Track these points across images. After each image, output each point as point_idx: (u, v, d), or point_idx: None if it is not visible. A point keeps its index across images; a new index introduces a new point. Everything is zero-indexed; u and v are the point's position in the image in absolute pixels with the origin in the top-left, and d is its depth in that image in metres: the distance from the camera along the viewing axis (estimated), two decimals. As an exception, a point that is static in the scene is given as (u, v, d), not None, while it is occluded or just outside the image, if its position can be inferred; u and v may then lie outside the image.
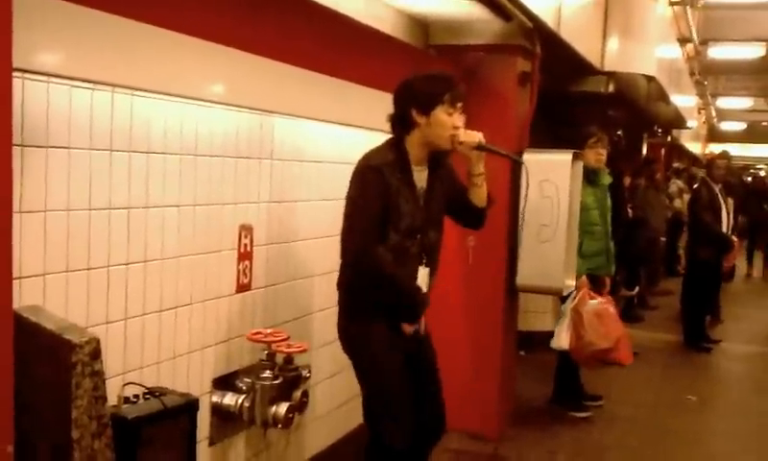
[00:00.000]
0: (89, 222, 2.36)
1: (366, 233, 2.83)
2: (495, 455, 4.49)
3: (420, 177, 2.98)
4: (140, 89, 2.52)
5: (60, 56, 2.21)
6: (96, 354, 1.89)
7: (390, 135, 3.01)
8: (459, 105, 2.91)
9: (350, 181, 2.92)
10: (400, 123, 2.94)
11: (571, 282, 4.84)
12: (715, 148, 18.40)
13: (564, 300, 5.03)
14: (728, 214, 7.60)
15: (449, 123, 2.89)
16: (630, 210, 8.22)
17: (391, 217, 2.85)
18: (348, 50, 3.58)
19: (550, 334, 5.18)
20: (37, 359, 1.98)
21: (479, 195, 3.08)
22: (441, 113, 2.87)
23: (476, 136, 2.93)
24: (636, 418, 5.43)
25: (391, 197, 2.84)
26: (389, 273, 2.86)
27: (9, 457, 1.61)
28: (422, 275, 2.99)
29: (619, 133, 6.84)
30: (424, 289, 3.00)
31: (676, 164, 14.16)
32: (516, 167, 4.45)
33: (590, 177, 5.09)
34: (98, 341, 1.91)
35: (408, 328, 2.98)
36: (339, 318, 3.07)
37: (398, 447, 2.96)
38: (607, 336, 4.92)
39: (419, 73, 3.00)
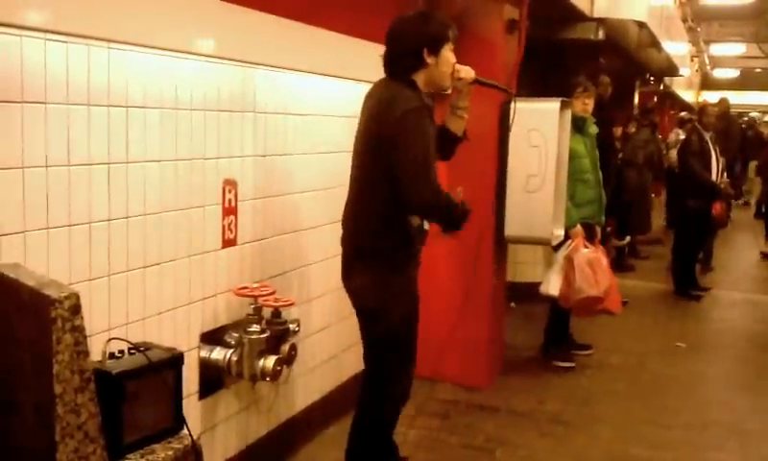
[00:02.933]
0: (69, 178, 2.33)
1: (432, 176, 2.87)
2: (484, 405, 4.54)
3: None
4: (117, 42, 2.47)
5: (32, 8, 2.17)
6: (76, 309, 1.89)
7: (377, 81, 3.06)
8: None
9: (397, 127, 2.84)
10: (408, 63, 2.97)
11: (560, 232, 4.86)
12: (708, 96, 18.29)
13: (556, 249, 5.05)
14: (717, 162, 7.59)
15: (452, 60, 3.02)
16: (620, 160, 8.22)
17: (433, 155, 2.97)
18: None
19: (540, 285, 5.21)
20: (18, 316, 1.97)
21: (459, 125, 3.18)
22: (447, 51, 3.00)
23: (471, 72, 3.07)
24: (625, 365, 5.49)
25: (434, 139, 2.98)
26: (452, 205, 2.96)
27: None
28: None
29: (607, 80, 6.78)
30: (427, 227, 3.10)
31: (683, 114, 13.65)
32: (507, 112, 4.44)
33: (579, 125, 5.08)
34: (77, 296, 1.90)
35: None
36: (356, 275, 3.07)
37: (408, 389, 3.19)
38: (596, 284, 4.96)
39: (420, 13, 3.11)
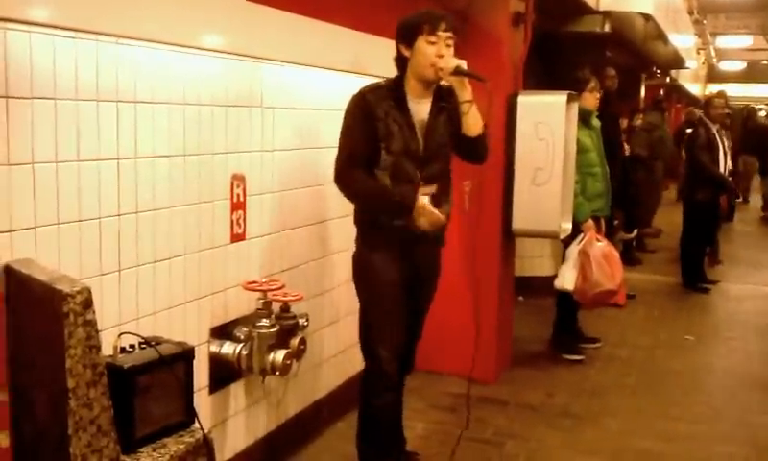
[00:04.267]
0: (78, 173, 2.34)
1: (347, 159, 3.02)
2: (493, 398, 4.54)
3: (420, 109, 3.05)
4: (125, 37, 2.48)
5: (41, 4, 2.17)
6: (88, 304, 1.89)
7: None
8: (442, 34, 2.95)
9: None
10: (399, 61, 3.07)
11: (568, 226, 4.85)
12: (715, 89, 18.21)
13: (567, 243, 5.06)
14: (725, 155, 7.56)
15: (431, 51, 2.96)
16: (627, 147, 8.19)
17: (381, 139, 2.97)
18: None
19: (548, 279, 5.21)
20: (31, 311, 1.99)
21: (467, 123, 3.04)
22: (422, 43, 2.97)
23: (453, 62, 2.94)
24: (633, 359, 5.48)
25: (378, 120, 2.97)
26: (360, 188, 3.03)
27: (2, 406, 1.62)
28: (427, 198, 3.02)
29: (613, 73, 6.77)
30: (427, 200, 3.02)
31: (693, 110, 13.40)
32: (513, 105, 4.43)
33: (586, 119, 5.11)
34: (89, 291, 1.90)
35: (423, 223, 2.98)
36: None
37: (384, 367, 3.13)
38: (612, 277, 4.98)
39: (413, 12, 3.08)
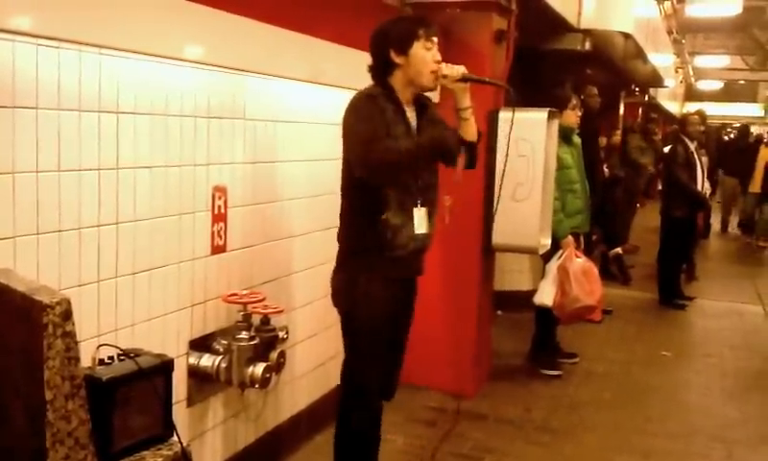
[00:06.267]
0: (59, 183, 2.33)
1: (370, 141, 2.78)
2: (471, 412, 4.54)
3: (411, 118, 2.99)
4: (108, 48, 2.47)
5: (25, 13, 2.16)
6: (67, 315, 1.88)
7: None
8: (435, 40, 2.91)
9: (345, 116, 2.90)
10: (382, 69, 2.95)
11: (547, 241, 4.89)
12: (693, 107, 18.38)
13: (546, 258, 5.10)
14: (702, 172, 7.65)
15: (429, 58, 2.90)
16: (606, 169, 8.27)
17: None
18: (321, 7, 3.54)
19: (527, 294, 5.24)
20: (9, 322, 1.96)
21: (469, 129, 3.01)
22: (419, 49, 2.89)
23: (459, 69, 2.92)
24: (610, 374, 5.51)
25: (386, 123, 2.84)
26: (403, 149, 2.81)
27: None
28: (419, 216, 2.95)
29: (595, 91, 6.86)
30: (424, 230, 2.97)
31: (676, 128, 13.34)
32: (494, 119, 4.46)
33: (567, 136, 5.17)
34: (69, 302, 1.89)
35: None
36: (337, 275, 3.06)
37: (373, 401, 3.05)
38: (591, 294, 5.03)
39: (394, 17, 3.02)
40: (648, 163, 9.86)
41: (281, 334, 3.25)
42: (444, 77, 2.90)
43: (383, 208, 2.87)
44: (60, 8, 2.25)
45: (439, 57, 2.92)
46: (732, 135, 18.90)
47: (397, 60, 2.90)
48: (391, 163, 2.80)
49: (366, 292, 2.95)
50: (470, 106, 2.98)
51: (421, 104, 3.05)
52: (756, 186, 12.58)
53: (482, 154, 4.49)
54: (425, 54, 2.89)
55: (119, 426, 2.16)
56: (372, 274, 2.95)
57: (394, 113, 2.89)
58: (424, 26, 2.91)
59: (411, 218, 2.92)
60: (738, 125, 17.97)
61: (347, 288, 3.01)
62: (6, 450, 1.96)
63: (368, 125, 2.81)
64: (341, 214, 3.04)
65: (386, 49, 2.91)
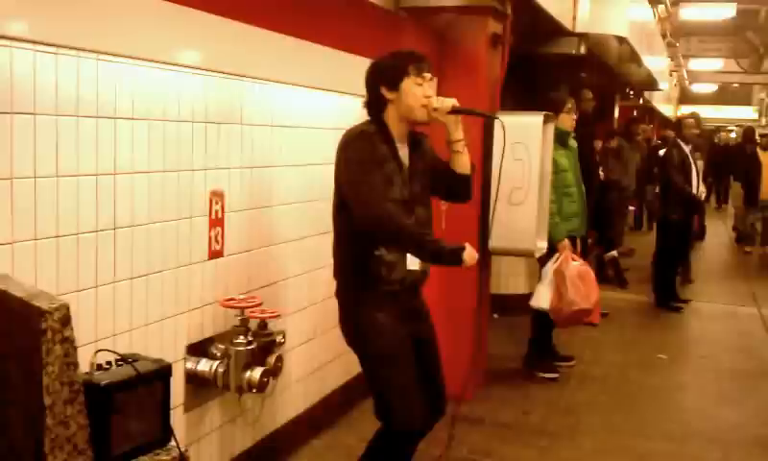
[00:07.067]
0: (57, 189, 2.33)
1: (380, 196, 2.77)
2: (468, 416, 4.54)
3: (403, 154, 2.95)
4: (106, 53, 2.48)
5: (23, 20, 2.17)
6: (66, 321, 1.88)
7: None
8: (427, 75, 2.89)
9: (340, 157, 2.86)
10: (375, 105, 2.94)
11: (543, 244, 4.90)
12: (687, 110, 18.40)
13: (543, 262, 5.10)
14: (697, 175, 7.67)
15: (420, 93, 2.88)
16: (601, 173, 8.28)
17: (386, 184, 2.83)
18: (318, 12, 3.55)
19: (523, 297, 5.25)
20: (8, 327, 1.96)
21: (462, 162, 3.02)
22: (409, 85, 2.86)
23: (449, 101, 2.91)
24: (607, 377, 5.52)
25: (379, 161, 2.82)
26: (415, 231, 2.82)
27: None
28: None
29: (590, 95, 6.88)
30: (417, 267, 2.94)
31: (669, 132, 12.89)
32: (490, 125, 4.47)
33: (563, 139, 5.18)
34: (68, 307, 1.89)
35: (470, 260, 2.84)
36: (340, 310, 3.00)
37: (414, 428, 2.95)
38: (587, 297, 5.03)
39: (387, 53, 2.98)
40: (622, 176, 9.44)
41: (279, 338, 3.26)
42: (435, 110, 2.89)
43: (377, 244, 2.85)
44: (58, 14, 2.27)
45: (430, 91, 2.90)
46: (722, 138, 18.80)
47: (389, 95, 2.88)
48: (388, 232, 2.80)
49: (369, 324, 2.91)
50: (462, 138, 2.98)
51: (415, 140, 3.00)
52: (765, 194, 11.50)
53: (478, 159, 4.53)
54: (416, 89, 2.86)
55: (117, 431, 2.16)
56: (374, 309, 2.90)
57: (387, 152, 2.86)
58: (414, 61, 2.89)
59: (404, 255, 2.90)
60: (733, 128, 17.87)
61: (355, 331, 2.98)
62: (5, 455, 1.97)
63: (370, 173, 2.78)
64: (334, 250, 2.99)
65: (378, 86, 2.90)
